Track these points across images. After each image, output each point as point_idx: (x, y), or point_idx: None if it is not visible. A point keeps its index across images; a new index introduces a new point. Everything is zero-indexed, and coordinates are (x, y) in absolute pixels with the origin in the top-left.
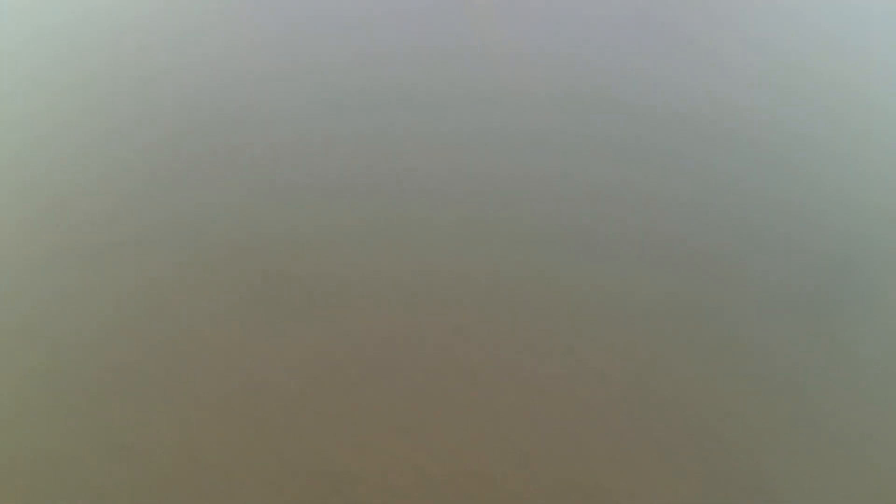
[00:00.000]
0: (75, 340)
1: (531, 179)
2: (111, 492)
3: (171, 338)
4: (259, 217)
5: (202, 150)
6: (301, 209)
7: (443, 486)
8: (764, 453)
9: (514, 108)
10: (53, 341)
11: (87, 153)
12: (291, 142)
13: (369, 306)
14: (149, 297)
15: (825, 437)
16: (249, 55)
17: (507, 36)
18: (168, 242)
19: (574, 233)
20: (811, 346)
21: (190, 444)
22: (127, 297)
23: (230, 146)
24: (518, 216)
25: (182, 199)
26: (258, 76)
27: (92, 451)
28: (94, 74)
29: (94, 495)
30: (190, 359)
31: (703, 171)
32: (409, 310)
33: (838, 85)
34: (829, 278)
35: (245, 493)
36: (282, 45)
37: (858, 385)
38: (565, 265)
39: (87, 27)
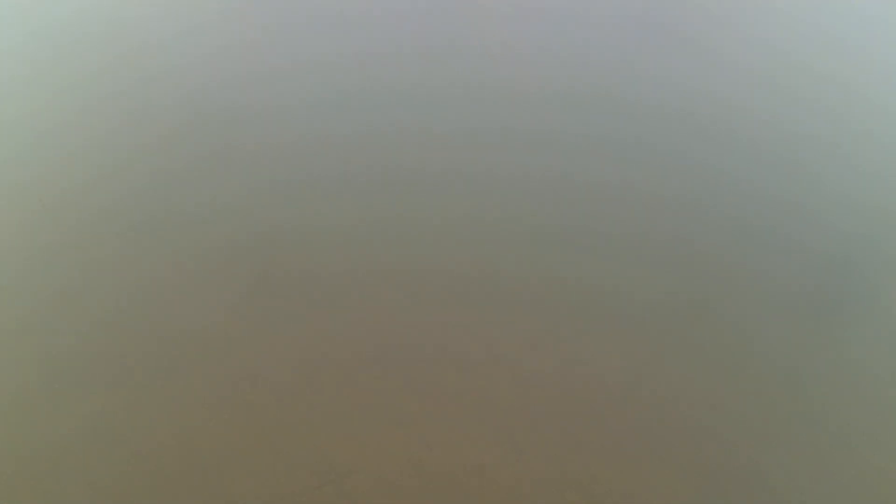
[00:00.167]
0: (75, 339)
1: (531, 179)
2: (110, 484)
3: (170, 336)
4: (259, 216)
5: (202, 149)
6: (300, 209)
7: (437, 478)
8: (763, 451)
9: (514, 108)
10: (53, 340)
11: (88, 153)
12: (291, 142)
13: (366, 302)
14: (149, 297)
15: (824, 435)
16: (249, 55)
17: (507, 36)
18: (168, 241)
19: (574, 232)
20: (811, 345)
21: (187, 435)
22: (127, 296)
23: (230, 146)
24: (517, 216)
25: (181, 200)
26: (258, 76)
27: (89, 445)
28: (94, 74)
29: (93, 488)
30: (188, 355)
31: (704, 171)
32: (407, 306)
33: (838, 85)
34: (829, 278)
35: (242, 483)
36: (281, 45)
37: (858, 384)
38: (565, 264)
39: (88, 27)
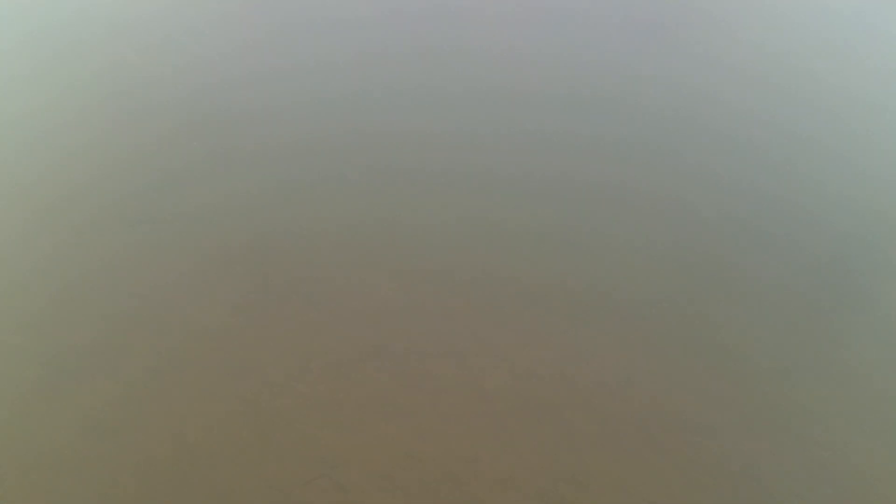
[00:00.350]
0: (75, 339)
1: (531, 179)
2: (108, 481)
3: (169, 334)
4: (259, 217)
5: (202, 149)
6: (301, 208)
7: (431, 470)
8: (758, 450)
9: (514, 109)
10: (53, 339)
11: (87, 153)
12: (292, 142)
13: (360, 296)
14: (149, 297)
15: (821, 435)
16: (250, 55)
17: (507, 36)
18: (168, 241)
19: (573, 232)
20: (808, 346)
21: (179, 429)
22: (127, 295)
23: (230, 146)
24: (516, 215)
25: (181, 200)
26: (258, 76)
27: (89, 443)
28: (93, 74)
29: (89, 486)
30: (182, 351)
31: (703, 171)
32: (401, 300)
33: (837, 86)
34: (827, 279)
35: (234, 476)
36: (282, 46)
37: (857, 384)
38: (565, 263)
39: (88, 27)
